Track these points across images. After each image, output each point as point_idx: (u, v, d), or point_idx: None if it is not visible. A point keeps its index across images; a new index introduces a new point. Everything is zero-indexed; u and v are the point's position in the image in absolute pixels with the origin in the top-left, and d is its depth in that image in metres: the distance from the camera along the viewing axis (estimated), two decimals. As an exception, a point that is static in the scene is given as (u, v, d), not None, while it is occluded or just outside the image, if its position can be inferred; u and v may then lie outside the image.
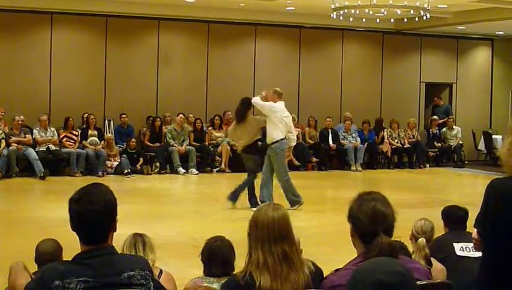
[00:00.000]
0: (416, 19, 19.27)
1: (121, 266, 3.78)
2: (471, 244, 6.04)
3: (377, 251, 3.67)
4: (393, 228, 3.91)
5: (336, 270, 4.03)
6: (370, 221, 3.82)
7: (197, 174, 19.43)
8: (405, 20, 21.53)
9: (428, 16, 18.04)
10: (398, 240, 5.05)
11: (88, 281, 3.66)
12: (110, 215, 3.79)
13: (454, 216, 6.80)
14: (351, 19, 19.18)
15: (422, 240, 5.81)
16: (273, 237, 4.16)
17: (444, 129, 23.65)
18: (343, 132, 22.00)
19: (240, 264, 4.59)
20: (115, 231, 3.84)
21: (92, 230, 3.76)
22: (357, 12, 18.37)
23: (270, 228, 4.18)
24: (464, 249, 6.29)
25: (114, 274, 3.73)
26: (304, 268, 4.19)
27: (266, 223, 4.20)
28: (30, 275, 4.80)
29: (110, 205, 3.79)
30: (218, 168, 20.01)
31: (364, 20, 19.97)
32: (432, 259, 5.80)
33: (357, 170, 21.18)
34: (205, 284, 5.08)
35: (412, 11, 18.29)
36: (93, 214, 3.71)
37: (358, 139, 21.91)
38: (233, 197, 13.82)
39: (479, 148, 24.25)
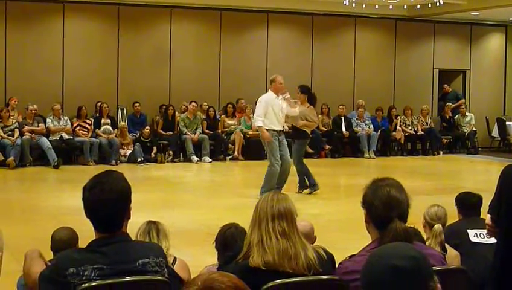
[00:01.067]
0: (429, 5, 19.20)
1: (135, 254, 3.81)
2: (485, 231, 6.01)
3: (391, 237, 3.67)
4: (408, 214, 3.91)
5: (351, 256, 4.04)
6: (384, 207, 3.82)
7: (210, 162, 19.42)
8: (418, 6, 21.45)
9: (441, 2, 17.99)
10: (412, 226, 5.04)
11: (103, 269, 3.69)
12: (123, 203, 3.80)
13: (468, 203, 6.78)
14: (364, 6, 19.14)
15: (438, 226, 5.79)
16: (271, 215, 4.23)
17: (458, 116, 23.58)
18: (356, 119, 21.95)
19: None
20: (129, 218, 3.86)
21: (106, 218, 3.78)
22: (370, -1, 18.34)
23: (268, 209, 4.26)
24: (478, 236, 6.27)
25: (128, 261, 3.76)
26: (308, 251, 4.20)
27: (265, 205, 4.29)
28: (45, 262, 4.82)
29: (123, 193, 3.80)
30: (231, 156, 20.01)
31: (377, 6, 19.93)
32: (447, 245, 5.78)
33: (370, 157, 21.14)
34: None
35: (425, -3, 18.24)
36: (107, 203, 3.73)
37: (372, 126, 21.87)
38: (313, 185, 14.04)
39: (492, 134, 24.14)
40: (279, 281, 4.02)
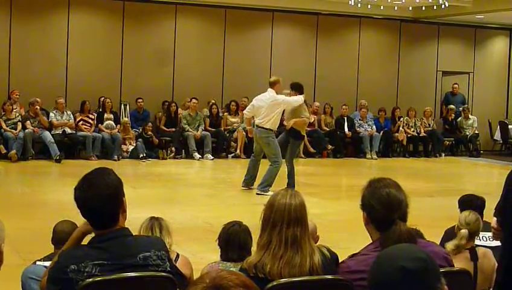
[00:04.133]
0: (435, 7, 19.18)
1: (136, 248, 3.82)
2: (488, 234, 6.01)
3: (395, 238, 3.66)
4: (407, 213, 3.89)
5: (351, 255, 4.02)
6: (386, 209, 3.81)
7: (212, 159, 19.43)
8: (423, 8, 21.44)
9: (447, 4, 17.98)
10: (414, 227, 5.04)
11: (103, 264, 3.70)
12: (114, 197, 3.81)
13: (471, 205, 6.76)
14: (369, 7, 19.14)
15: (464, 232, 5.73)
16: (287, 220, 4.14)
17: (460, 118, 23.55)
18: (359, 119, 21.92)
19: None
20: (124, 211, 3.86)
21: (99, 215, 3.80)
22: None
23: (285, 211, 4.16)
24: (481, 239, 6.26)
25: (129, 256, 3.77)
26: (314, 256, 4.15)
27: (282, 207, 4.18)
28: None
29: (112, 186, 3.80)
30: (233, 154, 20.00)
31: (382, 7, 19.92)
32: (482, 250, 5.73)
33: (372, 158, 21.11)
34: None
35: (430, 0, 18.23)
36: (96, 199, 3.74)
37: (374, 127, 21.83)
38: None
39: (494, 138, 24.15)
40: (283, 280, 4.00)
